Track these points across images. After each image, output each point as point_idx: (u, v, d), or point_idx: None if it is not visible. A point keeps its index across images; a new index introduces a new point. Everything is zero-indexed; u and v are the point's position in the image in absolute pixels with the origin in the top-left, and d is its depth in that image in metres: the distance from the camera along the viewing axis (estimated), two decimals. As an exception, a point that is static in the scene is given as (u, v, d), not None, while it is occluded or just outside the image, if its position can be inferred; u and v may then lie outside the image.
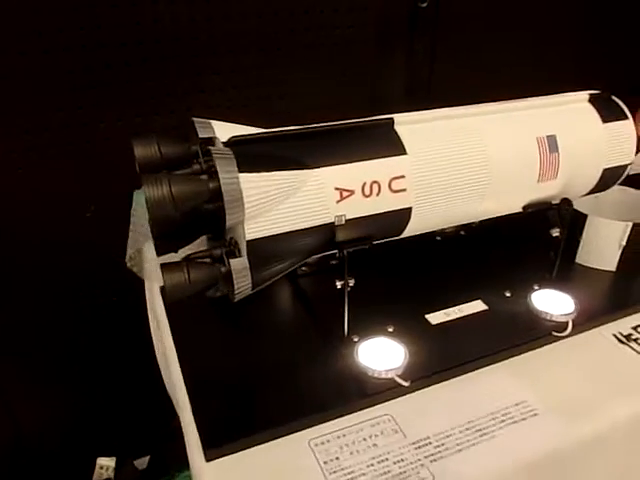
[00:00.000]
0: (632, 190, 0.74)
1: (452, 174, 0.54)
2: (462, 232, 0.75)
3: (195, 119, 0.52)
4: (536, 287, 0.64)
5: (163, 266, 0.49)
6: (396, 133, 0.53)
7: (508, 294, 0.64)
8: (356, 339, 0.58)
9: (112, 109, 0.84)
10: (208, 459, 0.48)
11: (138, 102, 0.85)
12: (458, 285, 0.66)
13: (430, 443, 0.50)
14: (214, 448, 0.49)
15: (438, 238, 0.74)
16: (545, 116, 0.59)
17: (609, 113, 0.61)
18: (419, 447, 0.50)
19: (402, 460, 0.48)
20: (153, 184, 0.44)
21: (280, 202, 0.48)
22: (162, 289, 0.70)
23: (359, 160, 0.51)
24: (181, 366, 0.57)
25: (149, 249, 0.73)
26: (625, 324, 0.63)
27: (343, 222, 0.51)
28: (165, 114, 0.87)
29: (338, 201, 0.50)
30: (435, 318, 0.61)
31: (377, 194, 0.52)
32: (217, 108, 0.90)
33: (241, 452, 0.49)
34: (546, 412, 0.52)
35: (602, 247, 0.68)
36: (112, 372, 1.06)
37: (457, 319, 0.61)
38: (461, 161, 0.54)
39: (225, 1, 0.83)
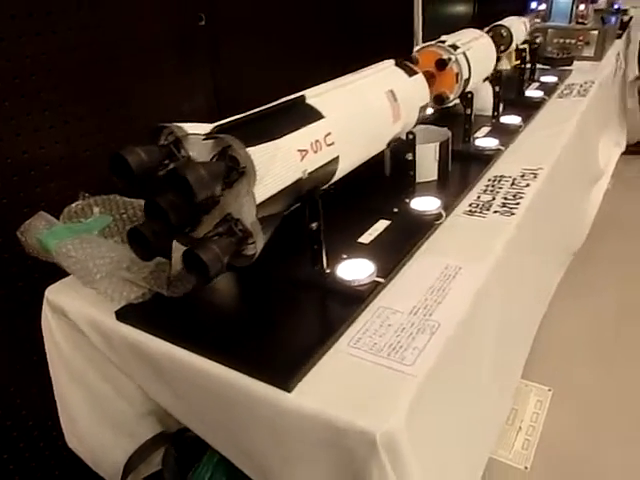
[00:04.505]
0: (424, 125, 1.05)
1: (354, 127, 0.73)
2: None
3: (164, 124, 0.59)
4: (407, 200, 0.89)
5: (194, 248, 0.56)
6: (310, 104, 0.70)
7: (396, 210, 0.87)
8: (328, 270, 0.72)
9: None
10: (290, 390, 0.58)
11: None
12: (359, 215, 0.86)
13: (419, 309, 0.69)
14: (285, 382, 0.58)
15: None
16: (381, 78, 0.83)
17: (408, 71, 0.88)
18: (415, 313, 0.68)
19: (413, 323, 0.66)
20: (192, 170, 0.52)
21: (270, 168, 0.60)
22: (119, 312, 0.71)
23: (302, 127, 0.66)
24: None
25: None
26: (463, 206, 0.93)
27: (306, 176, 0.65)
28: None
29: (301, 159, 0.64)
30: (365, 239, 0.80)
31: (320, 149, 0.67)
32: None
33: (308, 375, 0.60)
34: (465, 264, 0.76)
35: (426, 165, 0.97)
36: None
37: (378, 235, 0.81)
38: (357, 116, 0.74)
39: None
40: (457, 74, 1.02)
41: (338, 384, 0.59)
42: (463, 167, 1.05)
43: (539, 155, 1.09)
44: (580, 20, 1.71)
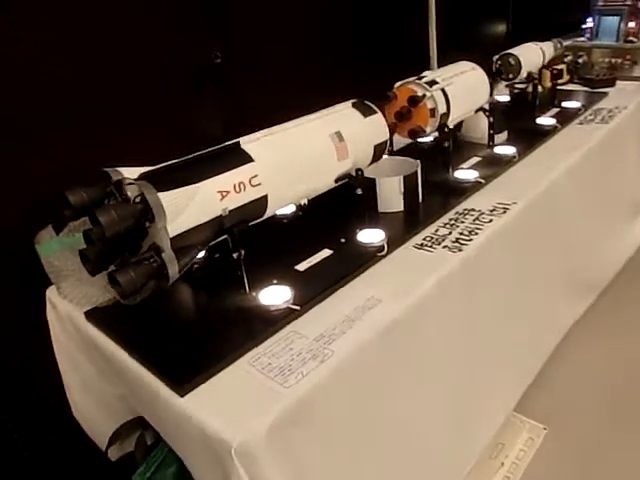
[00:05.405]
0: (397, 157, 1.11)
1: (287, 168, 0.82)
2: (300, 212, 1.03)
3: (106, 169, 0.73)
4: (358, 230, 0.95)
5: (114, 272, 0.69)
6: (243, 149, 0.80)
7: (343, 240, 0.94)
8: (254, 293, 0.82)
9: None
10: (182, 395, 0.69)
11: None
12: (308, 244, 0.94)
13: (324, 336, 0.76)
14: (181, 386, 0.69)
15: (285, 221, 1.02)
16: (330, 121, 0.90)
17: (366, 111, 0.95)
18: (318, 340, 0.76)
19: (311, 350, 0.74)
20: (104, 212, 0.64)
21: (185, 207, 0.71)
22: (87, 313, 0.86)
23: (227, 171, 0.76)
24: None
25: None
26: (418, 238, 0.97)
27: (227, 213, 0.76)
28: None
29: (221, 199, 0.75)
30: (302, 267, 0.89)
31: (244, 190, 0.77)
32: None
33: (205, 384, 0.70)
34: (387, 298, 0.82)
35: (390, 197, 1.02)
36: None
37: (316, 264, 0.89)
38: (290, 159, 0.83)
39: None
40: (433, 109, 1.06)
41: (224, 396, 0.69)
42: (437, 199, 1.08)
43: (520, 189, 1.09)
44: (630, 38, 1.62)
